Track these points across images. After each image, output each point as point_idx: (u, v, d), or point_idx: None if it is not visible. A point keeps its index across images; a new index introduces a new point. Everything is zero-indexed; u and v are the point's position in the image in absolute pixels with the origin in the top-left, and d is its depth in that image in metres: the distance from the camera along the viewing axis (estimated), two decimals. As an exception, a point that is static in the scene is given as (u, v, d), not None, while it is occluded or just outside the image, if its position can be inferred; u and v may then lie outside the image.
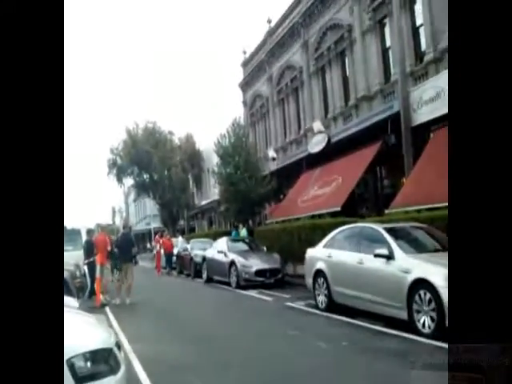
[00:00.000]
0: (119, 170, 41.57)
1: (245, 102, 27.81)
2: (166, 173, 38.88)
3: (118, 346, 3.65)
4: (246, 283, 13.23)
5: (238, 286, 13.33)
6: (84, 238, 14.20)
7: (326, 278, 8.84)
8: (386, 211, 11.46)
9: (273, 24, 23.50)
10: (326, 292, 8.81)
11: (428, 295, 6.24)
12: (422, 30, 13.43)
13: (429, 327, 6.22)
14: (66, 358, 2.93)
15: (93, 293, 11.97)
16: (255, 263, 13.56)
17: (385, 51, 15.25)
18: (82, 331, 3.61)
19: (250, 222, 22.54)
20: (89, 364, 3.11)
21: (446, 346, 5.48)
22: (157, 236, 25.79)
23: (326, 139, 16.62)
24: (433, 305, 6.15)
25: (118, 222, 63.26)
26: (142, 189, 42.28)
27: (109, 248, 12.32)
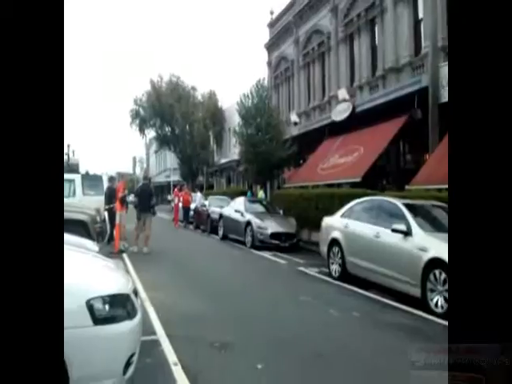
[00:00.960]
0: (142, 121, 42.00)
1: (269, 64, 27.42)
2: (187, 128, 39.13)
3: (136, 292, 3.75)
4: (261, 244, 13.52)
5: (253, 246, 13.63)
6: (105, 184, 14.56)
7: (340, 248, 8.99)
8: (407, 187, 11.49)
9: (302, -15, 22.86)
10: (340, 261, 8.98)
11: (443, 275, 6.28)
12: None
13: (441, 307, 6.28)
14: (85, 299, 3.08)
15: (112, 239, 12.27)
16: (271, 225, 13.80)
17: (417, 23, 14.82)
18: (102, 275, 3.71)
19: (269, 184, 22.71)
20: (107, 307, 3.19)
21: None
22: (176, 189, 26.20)
23: (351, 108, 16.47)
24: (447, 285, 6.13)
25: (139, 172, 64.04)
26: (163, 141, 42.68)
27: (120, 194, 12.44)
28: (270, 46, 27.18)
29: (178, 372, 4.14)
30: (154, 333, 5.20)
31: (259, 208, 15.91)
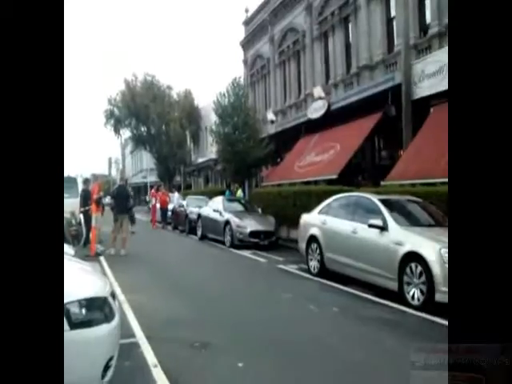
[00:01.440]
0: (116, 121, 41.55)
1: (245, 62, 27.45)
2: (163, 127, 38.83)
3: (113, 295, 3.72)
4: (240, 243, 13.55)
5: (232, 246, 13.64)
6: (80, 186, 14.36)
7: (319, 244, 9.07)
8: (382, 183, 11.67)
9: (277, -17, 22.94)
10: (318, 258, 9.07)
11: (419, 268, 6.43)
12: (427, 2, 13.27)
13: (418, 300, 6.43)
14: None
15: (88, 241, 12.11)
16: (250, 224, 13.84)
17: (389, 21, 15.06)
18: (79, 278, 3.65)
19: (247, 183, 22.74)
20: (84, 311, 3.16)
21: (433, 318, 5.90)
22: (153, 190, 26.03)
23: (326, 106, 16.62)
24: (423, 278, 6.34)
25: (114, 173, 63.29)
26: (139, 141, 42.29)
27: (95, 196, 12.30)
28: (246, 44, 27.21)
29: (158, 374, 4.12)
30: (133, 335, 5.15)
31: (238, 207, 15.93)
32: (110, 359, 3.33)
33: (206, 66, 74.60)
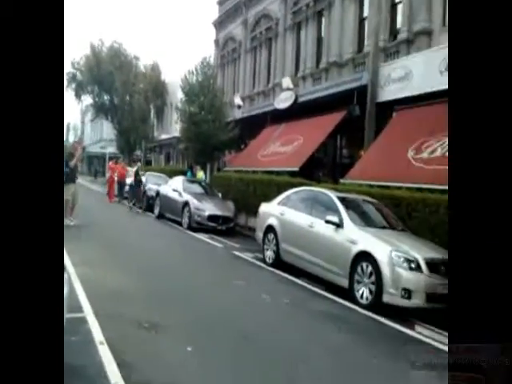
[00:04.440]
0: (78, 86, 40.28)
1: (217, 42, 27.16)
2: (127, 98, 37.91)
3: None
4: (198, 226, 13.59)
5: (190, 228, 13.68)
6: None
7: (276, 235, 9.23)
8: (341, 180, 12.00)
9: (253, -34, 22.73)
10: (274, 248, 9.24)
11: (370, 268, 6.70)
12: (400, 7, 13.57)
13: (366, 299, 6.70)
14: None
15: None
16: (209, 208, 13.88)
17: (362, 20, 15.29)
18: None
19: (209, 166, 22.70)
20: None
21: (379, 318, 6.24)
22: (111, 163, 25.50)
23: (294, 97, 16.74)
24: (373, 278, 6.60)
25: (72, 139, 61.34)
26: (100, 110, 41.17)
27: None
28: (219, 24, 26.87)
29: (105, 351, 4.10)
30: (80, 310, 5.12)
31: (198, 189, 15.91)
32: None
33: (176, 42, 72.97)
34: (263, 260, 9.62)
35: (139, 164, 23.32)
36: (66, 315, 3.50)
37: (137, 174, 18.33)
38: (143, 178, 19.55)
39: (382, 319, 6.26)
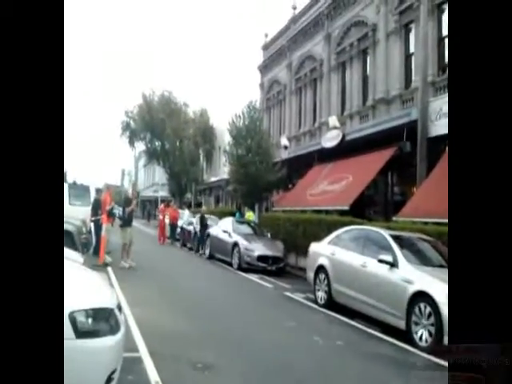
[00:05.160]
0: (132, 134, 42.12)
1: (262, 86, 27.84)
2: (177, 144, 39.22)
3: (120, 307, 3.69)
4: (248, 266, 13.57)
5: (240, 268, 13.66)
6: (92, 195, 14.60)
7: (327, 275, 9.06)
8: (394, 218, 11.70)
9: (297, 11, 23.42)
10: (326, 289, 9.05)
11: (428, 309, 6.37)
12: (446, 41, 13.46)
13: (426, 341, 6.34)
14: (68, 311, 2.97)
15: (97, 251, 12.23)
16: (258, 248, 13.87)
17: (408, 56, 15.27)
18: (87, 288, 3.63)
19: (257, 206, 22.83)
20: (90, 321, 3.14)
21: (440, 361, 5.83)
22: (162, 205, 26.12)
23: (341, 136, 16.73)
24: (432, 319, 6.27)
25: (127, 184, 63.86)
26: (152, 155, 42.78)
27: (108, 206, 12.73)
28: (263, 68, 27.62)
29: None
30: (136, 350, 5.16)
31: (247, 230, 16.00)
32: (113, 372, 3.33)
33: (222, 87, 75.47)
34: (314, 301, 9.41)
35: (204, 208, 23.21)
36: (124, 354, 3.57)
37: (202, 219, 17.77)
38: (194, 220, 19.84)
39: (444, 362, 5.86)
